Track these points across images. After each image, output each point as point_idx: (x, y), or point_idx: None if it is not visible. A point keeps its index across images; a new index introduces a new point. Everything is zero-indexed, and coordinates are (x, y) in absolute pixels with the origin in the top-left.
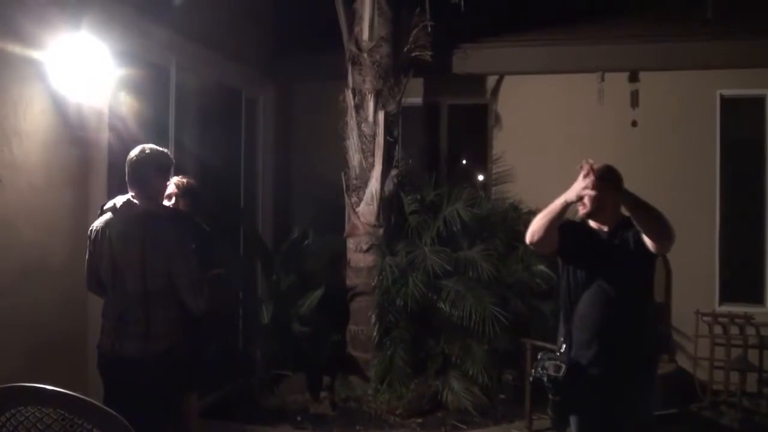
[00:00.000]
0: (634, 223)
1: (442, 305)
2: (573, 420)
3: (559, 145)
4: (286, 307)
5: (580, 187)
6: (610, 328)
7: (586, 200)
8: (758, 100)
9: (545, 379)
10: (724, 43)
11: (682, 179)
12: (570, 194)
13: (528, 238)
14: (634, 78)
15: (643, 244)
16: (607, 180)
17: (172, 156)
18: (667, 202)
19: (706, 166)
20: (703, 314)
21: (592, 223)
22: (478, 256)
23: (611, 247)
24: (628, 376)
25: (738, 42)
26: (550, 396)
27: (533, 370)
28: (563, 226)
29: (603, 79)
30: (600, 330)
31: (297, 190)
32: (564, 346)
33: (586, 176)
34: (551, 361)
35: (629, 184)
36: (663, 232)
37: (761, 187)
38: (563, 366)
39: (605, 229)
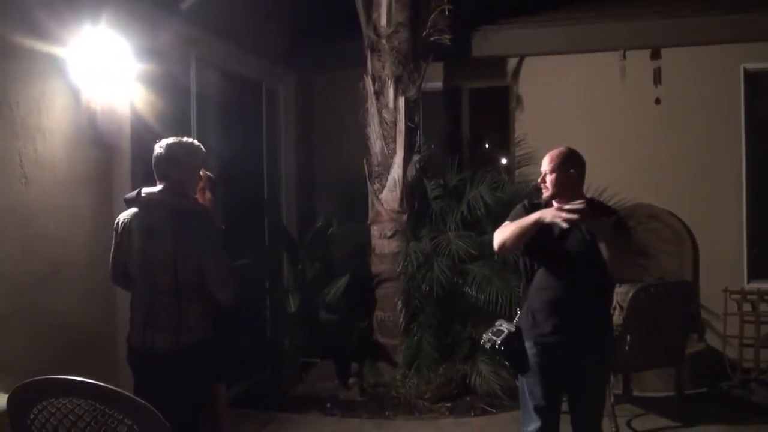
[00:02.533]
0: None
1: (468, 289)
2: (535, 386)
3: (581, 125)
4: (313, 295)
5: (555, 214)
6: (567, 299)
7: (548, 183)
8: None
9: (488, 345)
10: (747, 16)
11: (707, 156)
12: (545, 216)
13: (496, 246)
14: (656, 55)
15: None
16: (566, 163)
17: (202, 147)
18: (693, 180)
19: (731, 142)
20: (732, 292)
21: (555, 204)
22: None
23: (569, 228)
24: (584, 345)
25: (760, 14)
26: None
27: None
28: (528, 212)
29: (625, 57)
30: (557, 301)
31: (320, 178)
32: (518, 315)
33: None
34: (499, 328)
35: (655, 162)
36: (616, 266)
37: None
38: (504, 332)
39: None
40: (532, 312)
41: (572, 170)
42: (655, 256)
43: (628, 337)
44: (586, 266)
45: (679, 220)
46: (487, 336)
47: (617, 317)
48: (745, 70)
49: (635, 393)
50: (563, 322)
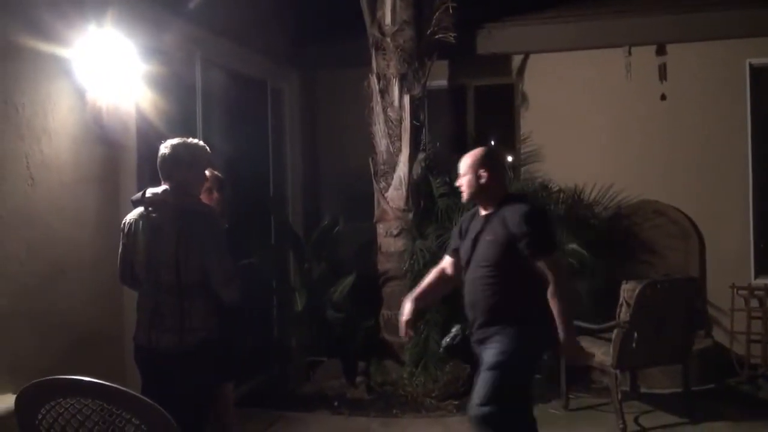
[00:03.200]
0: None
1: None
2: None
3: (587, 121)
4: (319, 294)
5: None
6: (471, 303)
7: (463, 185)
8: None
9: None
10: (751, 11)
11: (713, 151)
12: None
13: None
14: (661, 51)
15: (514, 241)
16: (475, 165)
17: (207, 147)
18: (699, 175)
19: (737, 137)
20: (739, 288)
21: (482, 211)
22: None
23: (482, 230)
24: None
25: (765, 9)
26: None
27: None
28: (459, 230)
29: (630, 54)
30: (468, 304)
31: (326, 177)
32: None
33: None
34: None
35: (660, 158)
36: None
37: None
38: (457, 335)
39: (485, 211)
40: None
41: (482, 171)
42: (661, 253)
43: (635, 334)
44: (485, 271)
45: (685, 215)
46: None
47: (624, 314)
48: (751, 65)
49: (642, 390)
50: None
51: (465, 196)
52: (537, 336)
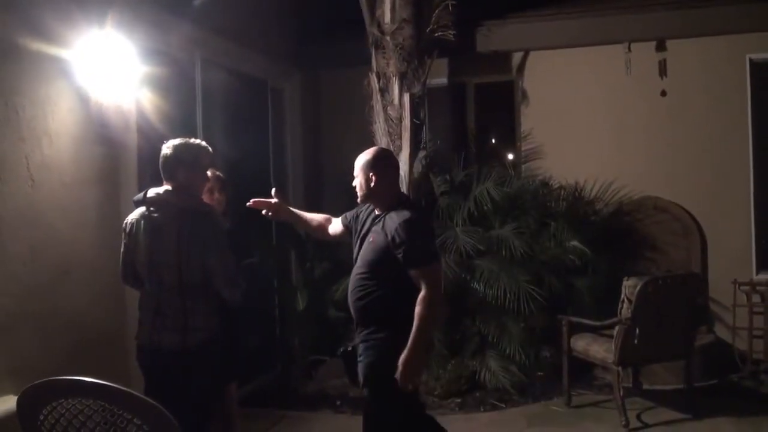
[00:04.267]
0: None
1: (476, 285)
2: None
3: (587, 118)
4: (321, 293)
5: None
6: (350, 303)
7: (357, 187)
8: None
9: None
10: (751, 6)
11: (713, 147)
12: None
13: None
14: (661, 47)
15: (391, 248)
16: (366, 166)
17: (209, 147)
18: (700, 171)
19: (738, 133)
20: (741, 284)
21: (376, 209)
22: (511, 234)
23: (369, 230)
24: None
25: (765, 4)
26: None
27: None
28: (357, 214)
29: (629, 50)
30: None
31: (327, 177)
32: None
33: None
34: None
35: (661, 154)
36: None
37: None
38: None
39: (377, 212)
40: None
41: (371, 174)
42: (663, 249)
43: (637, 331)
44: (361, 271)
45: (687, 212)
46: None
47: (626, 310)
48: (751, 61)
49: (645, 386)
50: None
51: (358, 197)
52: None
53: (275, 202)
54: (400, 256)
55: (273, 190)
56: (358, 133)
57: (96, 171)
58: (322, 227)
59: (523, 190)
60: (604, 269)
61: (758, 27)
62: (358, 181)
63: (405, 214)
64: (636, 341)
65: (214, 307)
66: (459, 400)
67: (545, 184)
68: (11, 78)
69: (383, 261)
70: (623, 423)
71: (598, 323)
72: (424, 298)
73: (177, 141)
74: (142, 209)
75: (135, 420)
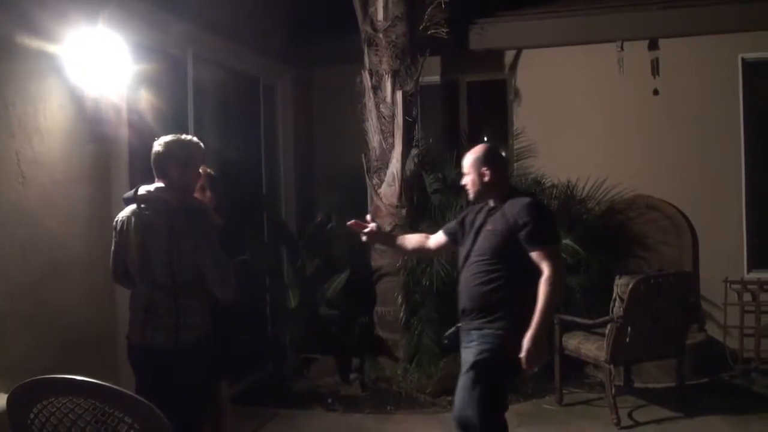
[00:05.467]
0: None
1: None
2: None
3: (580, 117)
4: (313, 291)
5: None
6: (461, 291)
7: (468, 184)
8: None
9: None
10: (743, 6)
11: (705, 146)
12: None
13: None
14: (653, 46)
15: (514, 232)
16: (477, 162)
17: (201, 144)
18: (692, 170)
19: (730, 132)
20: (732, 282)
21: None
22: None
23: (485, 222)
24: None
25: (757, 3)
26: None
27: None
28: (463, 218)
29: (622, 49)
30: (460, 294)
31: (319, 173)
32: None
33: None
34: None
35: (653, 153)
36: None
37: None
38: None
39: (491, 204)
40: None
41: (484, 169)
42: (655, 247)
43: (629, 329)
44: (478, 263)
45: (679, 210)
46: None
47: (617, 309)
48: (743, 60)
49: (636, 384)
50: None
51: (471, 194)
52: (521, 336)
53: (373, 226)
54: (523, 237)
55: (368, 216)
56: (350, 130)
57: (87, 168)
58: (421, 245)
59: (516, 187)
60: (596, 268)
61: (750, 26)
62: (470, 179)
63: (525, 199)
64: (628, 339)
65: (207, 306)
66: (450, 398)
67: (537, 182)
68: (2, 74)
69: (505, 245)
70: (615, 421)
71: (590, 321)
72: (549, 278)
73: (169, 137)
74: (133, 207)
75: (126, 419)
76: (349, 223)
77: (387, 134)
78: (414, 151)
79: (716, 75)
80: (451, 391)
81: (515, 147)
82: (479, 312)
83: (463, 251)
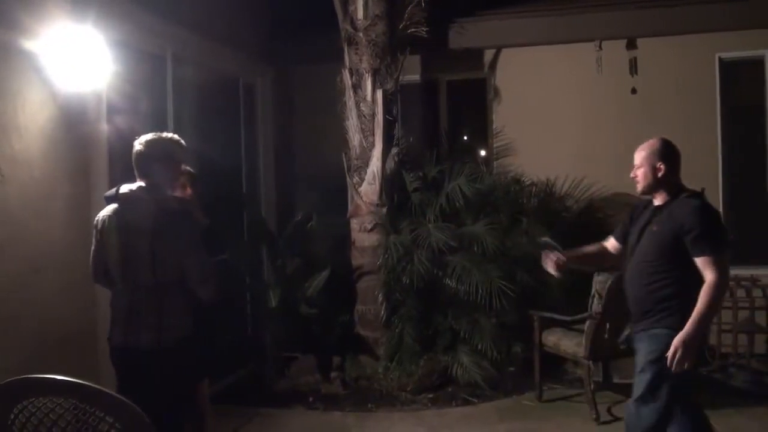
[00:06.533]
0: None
1: (448, 281)
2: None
3: (559, 115)
4: (293, 290)
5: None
6: (628, 295)
7: (639, 176)
8: (757, 62)
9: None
10: (721, 5)
11: (683, 144)
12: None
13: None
14: (632, 45)
15: (680, 235)
16: (652, 156)
17: (183, 142)
18: None
19: (707, 130)
20: None
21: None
22: (483, 230)
23: (650, 221)
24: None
25: (734, 3)
26: None
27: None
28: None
29: (601, 48)
30: (627, 296)
31: (300, 173)
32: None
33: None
34: None
35: (631, 151)
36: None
37: (763, 149)
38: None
39: (656, 202)
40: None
41: (659, 163)
42: None
43: (607, 325)
44: (644, 263)
45: None
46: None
47: (596, 305)
48: (720, 59)
49: (615, 379)
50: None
51: (639, 188)
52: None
53: (563, 260)
54: (689, 242)
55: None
56: (330, 129)
57: (67, 166)
58: (602, 253)
59: (495, 186)
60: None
61: (728, 26)
62: (641, 172)
63: (694, 201)
64: (606, 335)
65: (189, 306)
66: (431, 396)
67: (517, 180)
68: None
69: (671, 248)
70: (594, 417)
71: (568, 318)
72: (712, 285)
73: (149, 136)
74: (114, 206)
75: (107, 418)
76: (548, 268)
77: (367, 133)
78: (394, 150)
79: (694, 74)
80: (431, 389)
81: (495, 145)
82: (646, 314)
83: (627, 248)
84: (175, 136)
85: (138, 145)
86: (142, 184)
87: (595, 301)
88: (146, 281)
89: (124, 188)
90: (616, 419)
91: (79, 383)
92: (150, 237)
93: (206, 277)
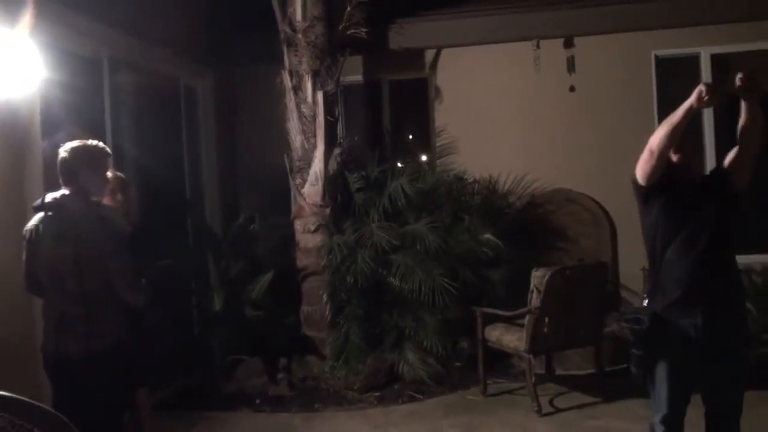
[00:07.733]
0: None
1: (392, 280)
2: (661, 374)
3: (499, 114)
4: (238, 292)
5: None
6: (701, 277)
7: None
8: (693, 59)
9: (629, 332)
10: (656, 4)
11: (621, 140)
12: (692, 98)
13: (647, 154)
14: (569, 44)
15: (730, 183)
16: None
17: (108, 148)
18: (608, 164)
19: (644, 126)
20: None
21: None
22: (425, 229)
23: (706, 186)
24: (719, 327)
25: (669, 1)
26: (633, 350)
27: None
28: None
29: (538, 47)
30: (691, 279)
31: (243, 175)
32: (647, 298)
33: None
34: (634, 314)
35: (572, 148)
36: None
37: (699, 144)
38: (644, 319)
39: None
40: (663, 290)
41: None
42: (575, 239)
43: (546, 319)
44: (718, 240)
45: (597, 203)
46: (624, 326)
47: (535, 300)
48: (656, 57)
49: (558, 372)
50: (697, 303)
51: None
52: None
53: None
54: None
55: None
56: (273, 130)
57: None
58: None
59: (438, 184)
60: (517, 261)
61: (663, 24)
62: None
63: None
64: (546, 330)
65: (119, 313)
66: (378, 394)
67: (460, 178)
68: None
69: None
70: (535, 409)
71: (509, 313)
72: None
73: (75, 143)
74: (41, 215)
75: (35, 430)
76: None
77: (309, 134)
78: (337, 151)
79: (630, 71)
80: (377, 387)
81: (437, 144)
82: (731, 307)
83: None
84: (100, 144)
85: (62, 152)
86: (67, 191)
87: (534, 295)
88: (73, 289)
89: (49, 196)
90: (558, 410)
91: (7, 396)
92: (74, 244)
93: (131, 284)
